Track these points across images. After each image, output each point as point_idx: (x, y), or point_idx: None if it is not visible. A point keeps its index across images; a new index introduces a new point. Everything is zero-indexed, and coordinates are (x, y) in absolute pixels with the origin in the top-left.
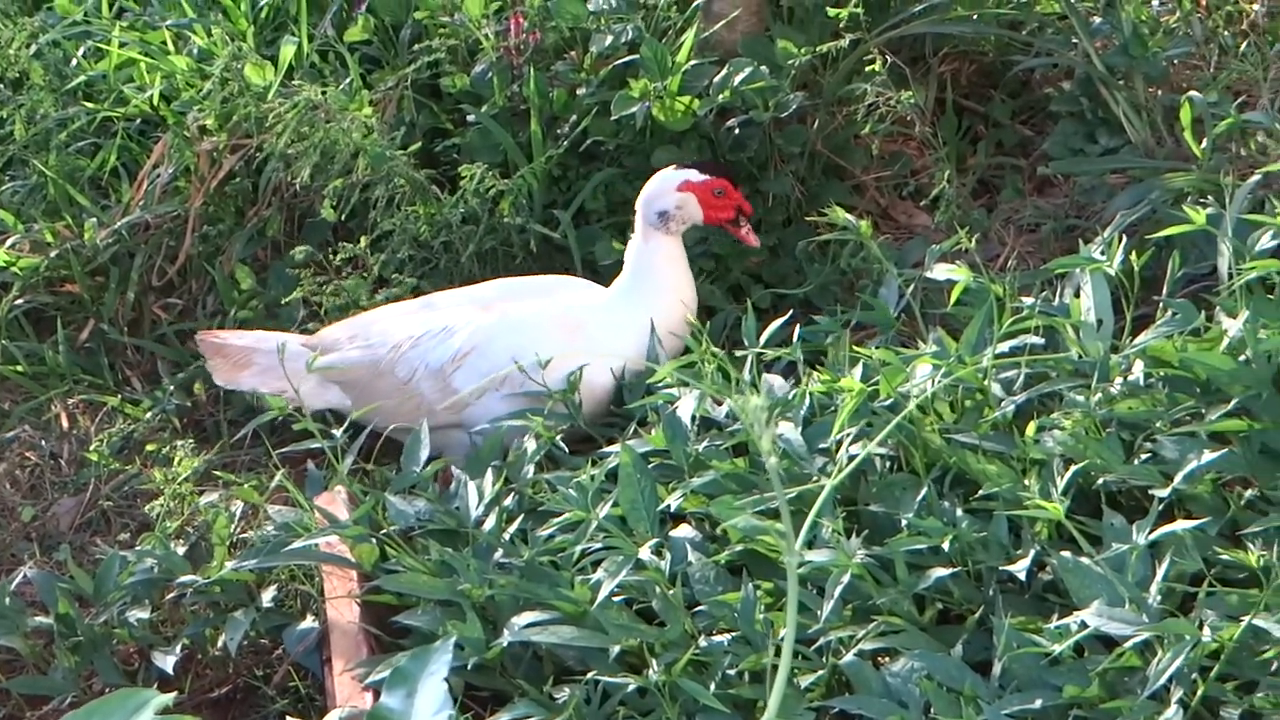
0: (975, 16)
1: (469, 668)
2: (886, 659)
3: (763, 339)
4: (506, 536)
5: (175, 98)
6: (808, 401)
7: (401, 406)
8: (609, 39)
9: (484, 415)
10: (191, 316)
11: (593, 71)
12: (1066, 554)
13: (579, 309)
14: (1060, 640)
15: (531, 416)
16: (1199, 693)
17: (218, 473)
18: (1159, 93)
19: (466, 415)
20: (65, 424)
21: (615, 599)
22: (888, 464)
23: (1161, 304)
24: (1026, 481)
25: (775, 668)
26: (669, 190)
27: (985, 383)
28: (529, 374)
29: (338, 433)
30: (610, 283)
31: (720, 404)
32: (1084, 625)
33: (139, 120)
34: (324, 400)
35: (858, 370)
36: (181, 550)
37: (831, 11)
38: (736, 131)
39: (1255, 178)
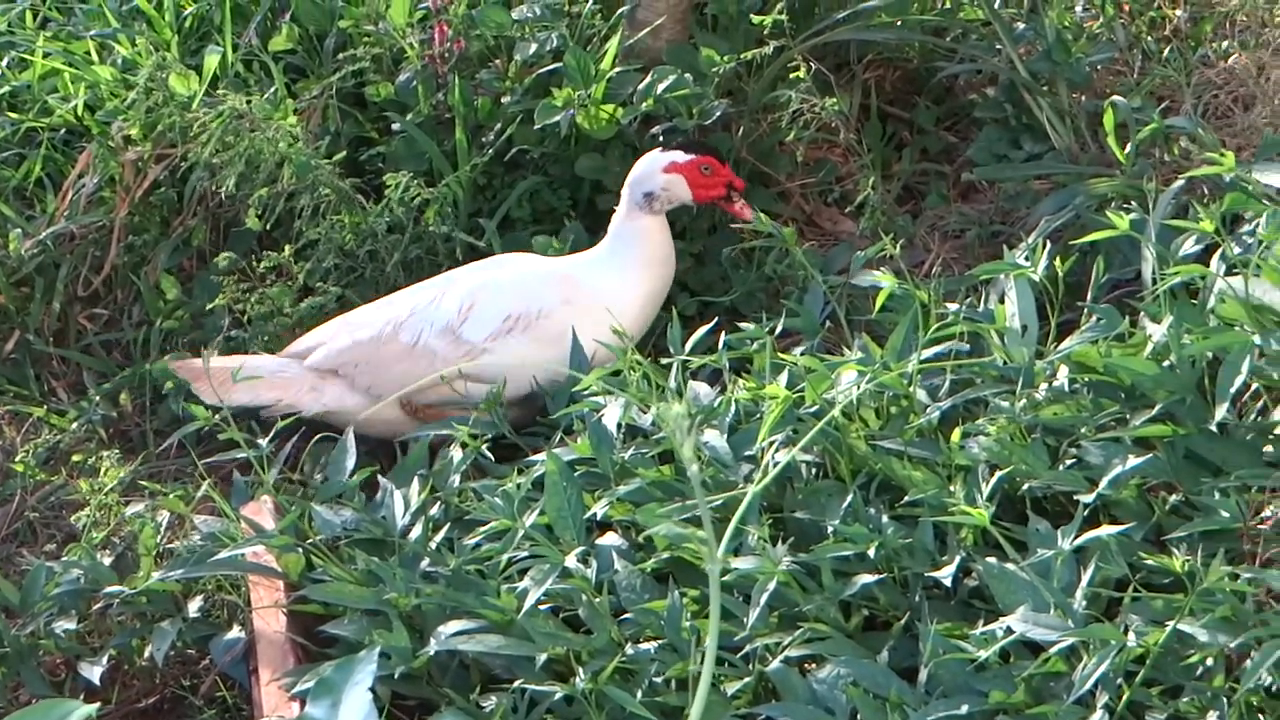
0: (899, 23)
1: (396, 677)
2: (813, 666)
3: (688, 346)
4: (433, 545)
5: (100, 108)
6: (733, 409)
7: (412, 370)
8: (533, 47)
9: (502, 360)
10: (117, 326)
11: (517, 80)
12: (992, 560)
13: (576, 265)
14: (986, 646)
15: (454, 424)
16: (1124, 698)
17: (144, 483)
18: (1083, 98)
19: (485, 364)
20: None
21: (542, 607)
22: (813, 471)
23: (1086, 309)
24: (952, 488)
25: (700, 675)
26: (655, 172)
27: (910, 389)
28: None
29: (263, 442)
30: None
31: (646, 411)
32: (1009, 631)
33: (63, 130)
34: (321, 402)
35: (783, 377)
36: (108, 561)
37: (755, 19)
38: (661, 139)
39: (1178, 183)
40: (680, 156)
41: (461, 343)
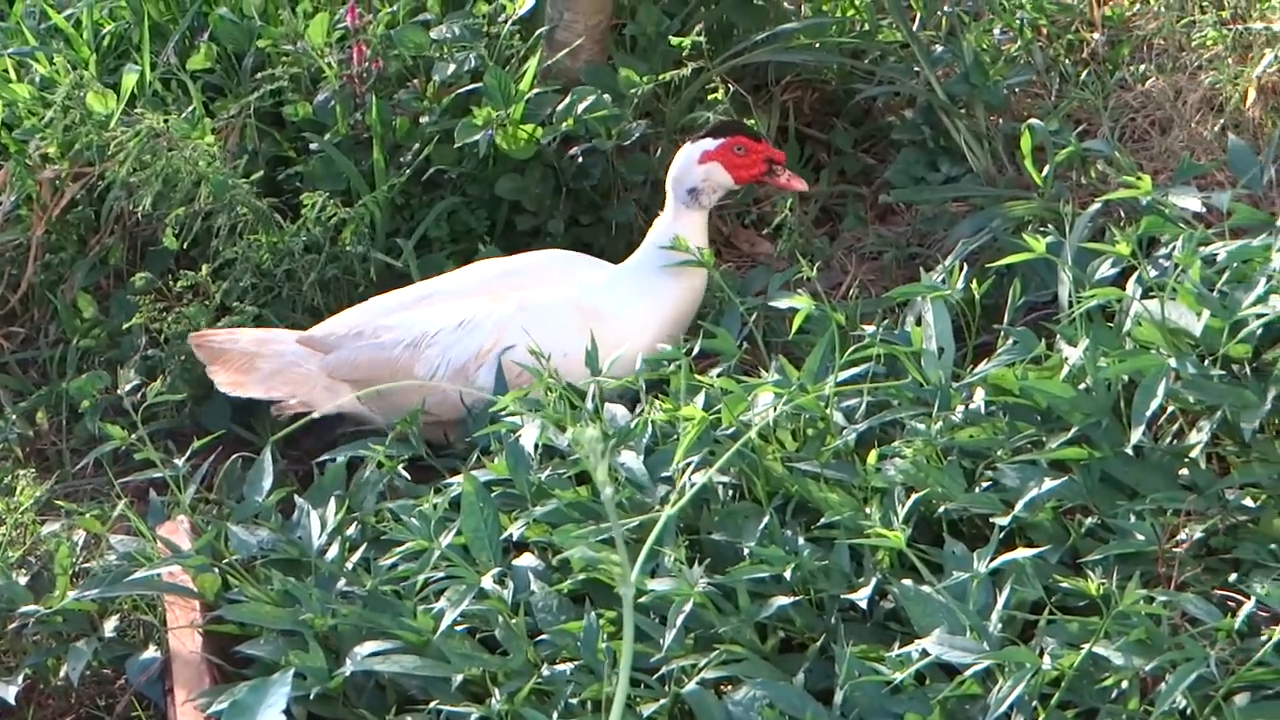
0: (818, 45)
1: (311, 697)
2: (729, 687)
3: (605, 367)
4: (349, 566)
5: (17, 126)
6: (649, 430)
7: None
8: (452, 67)
9: None
10: (33, 345)
11: (436, 100)
12: (908, 582)
13: (597, 293)
14: (901, 668)
15: (371, 445)
16: None
17: (60, 502)
18: (1000, 121)
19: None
20: None
21: (458, 628)
22: (730, 492)
23: (1002, 332)
24: (868, 510)
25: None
26: (692, 165)
27: (827, 411)
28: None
29: (180, 462)
30: None
31: (563, 432)
32: (925, 653)
33: None
34: (335, 404)
35: (700, 399)
36: (23, 580)
37: (674, 40)
38: (580, 160)
39: (1095, 206)
40: (710, 143)
41: (473, 387)
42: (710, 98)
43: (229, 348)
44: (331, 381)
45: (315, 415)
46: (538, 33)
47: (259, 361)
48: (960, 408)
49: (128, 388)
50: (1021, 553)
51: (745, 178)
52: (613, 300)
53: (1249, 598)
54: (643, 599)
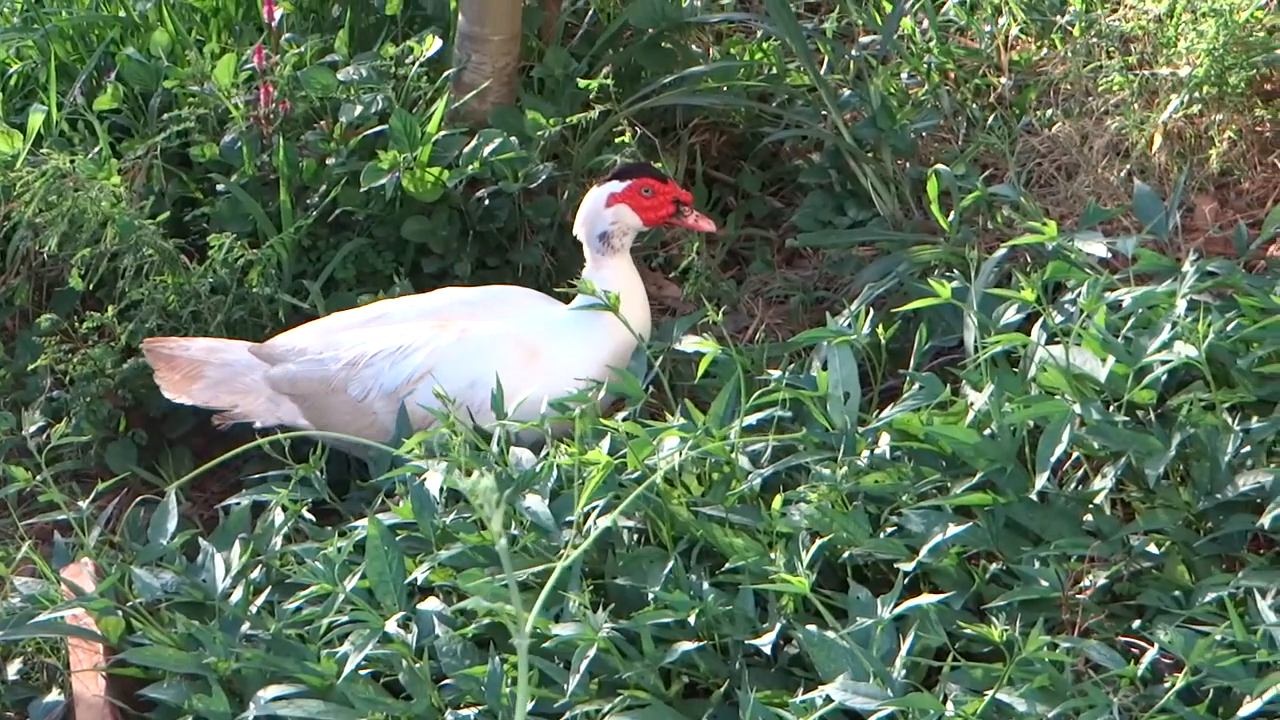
0: (725, 89)
1: None
2: None
3: (511, 410)
4: (254, 609)
5: None
6: (555, 474)
7: (355, 423)
8: (359, 109)
9: None
10: None
11: (342, 141)
12: (812, 628)
13: (537, 330)
14: (805, 715)
15: (275, 488)
16: None
17: None
18: (907, 165)
19: None
20: None
21: (362, 672)
22: (635, 537)
23: (908, 377)
24: (773, 555)
25: None
26: (600, 209)
27: (733, 455)
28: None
29: (84, 504)
30: None
31: (468, 476)
32: (829, 699)
33: None
34: (276, 416)
35: (605, 443)
36: None
37: (582, 83)
38: (486, 202)
39: (1001, 251)
40: (617, 185)
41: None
42: (618, 140)
43: (179, 354)
44: (274, 394)
45: (257, 426)
46: (445, 74)
47: (206, 370)
48: (865, 453)
49: (32, 429)
50: (926, 599)
51: (654, 219)
52: (552, 339)
53: (1152, 644)
54: (546, 644)
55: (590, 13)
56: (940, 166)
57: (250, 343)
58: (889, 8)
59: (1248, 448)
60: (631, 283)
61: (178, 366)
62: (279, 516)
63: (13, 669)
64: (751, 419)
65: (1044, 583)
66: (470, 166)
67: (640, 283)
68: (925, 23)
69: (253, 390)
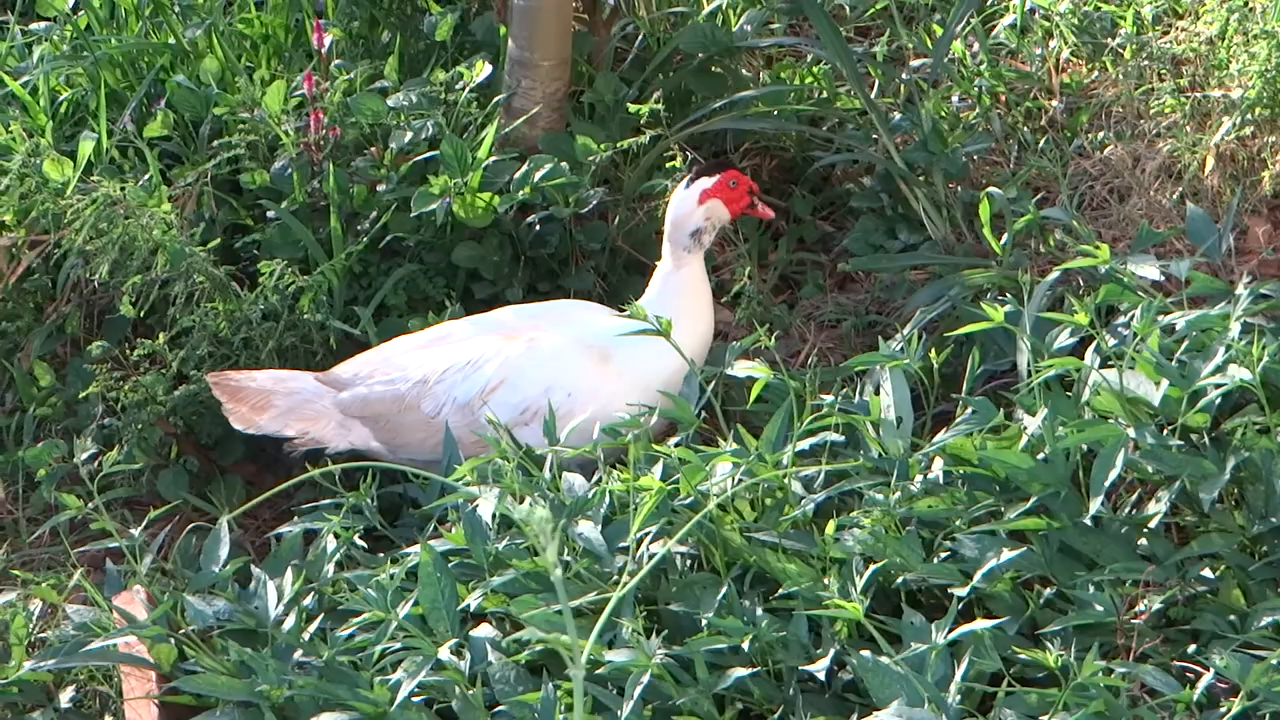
0: (776, 113)
1: None
2: None
3: (563, 435)
4: (306, 636)
5: None
6: (607, 500)
7: (429, 440)
8: (409, 135)
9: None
10: None
11: (393, 167)
12: (866, 653)
13: (606, 337)
14: None
15: (327, 516)
16: None
17: (16, 571)
18: (959, 189)
19: None
20: None
21: (415, 699)
22: (688, 562)
23: (961, 401)
24: (826, 580)
25: None
26: (693, 207)
27: (785, 481)
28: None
29: (136, 531)
30: None
31: (520, 502)
32: None
33: None
34: (347, 440)
35: (658, 468)
36: None
37: (632, 108)
38: (537, 228)
39: (1054, 274)
40: (707, 182)
41: (478, 425)
42: (668, 165)
43: (246, 385)
44: (344, 418)
45: (329, 451)
46: (495, 100)
47: (274, 399)
48: (919, 477)
49: (84, 456)
50: (980, 624)
51: (737, 211)
52: (621, 345)
53: (1208, 669)
54: (600, 670)
55: (640, 38)
56: (992, 189)
57: (312, 372)
58: (939, 31)
59: None
60: (706, 284)
61: (245, 398)
62: (331, 543)
63: (65, 696)
64: (804, 444)
65: (1099, 607)
66: (521, 192)
67: (709, 289)
68: (976, 46)
69: (322, 416)
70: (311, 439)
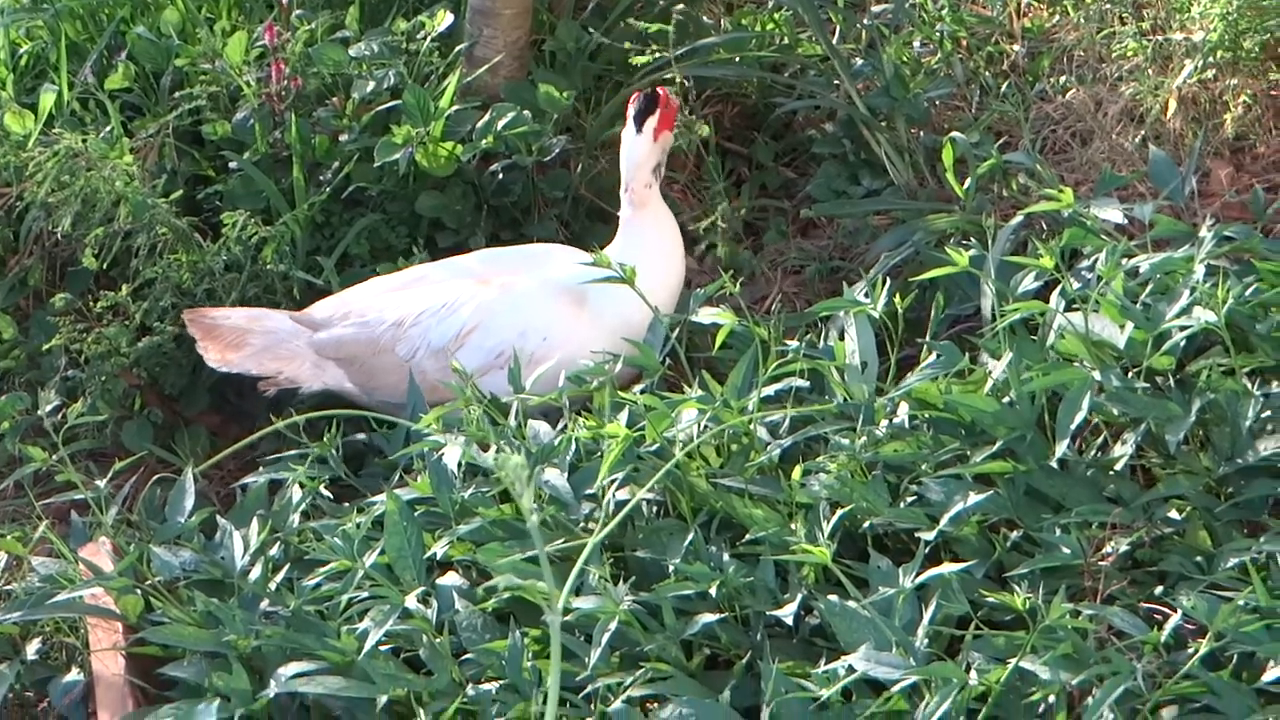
0: (738, 59)
1: (235, 719)
2: (655, 705)
3: (528, 383)
4: (272, 586)
5: None
6: (573, 447)
7: (403, 383)
8: (371, 85)
9: (485, 390)
10: None
11: (355, 118)
12: (834, 598)
13: (580, 281)
14: (828, 685)
15: (292, 465)
16: None
17: None
18: (921, 134)
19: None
20: None
21: (382, 648)
22: (654, 509)
23: (926, 346)
24: (793, 525)
25: (543, 716)
26: (650, 147)
27: (751, 427)
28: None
29: (101, 483)
30: None
31: (486, 450)
32: (851, 669)
33: None
34: (321, 381)
35: (624, 415)
36: None
37: (637, 24)
38: (500, 176)
39: (1017, 219)
40: (653, 121)
41: (451, 370)
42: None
43: (221, 323)
44: (319, 359)
45: (303, 391)
46: (457, 49)
47: (250, 338)
48: (884, 422)
49: (48, 409)
50: (947, 567)
51: (673, 124)
52: (596, 288)
53: (1175, 611)
54: (567, 617)
55: None
56: (955, 134)
57: (287, 311)
58: None
59: (1268, 412)
60: (671, 218)
61: (220, 335)
62: (296, 493)
63: (32, 649)
64: (769, 390)
65: (1065, 550)
66: (484, 141)
67: (677, 229)
68: None
69: (297, 356)
70: (286, 379)
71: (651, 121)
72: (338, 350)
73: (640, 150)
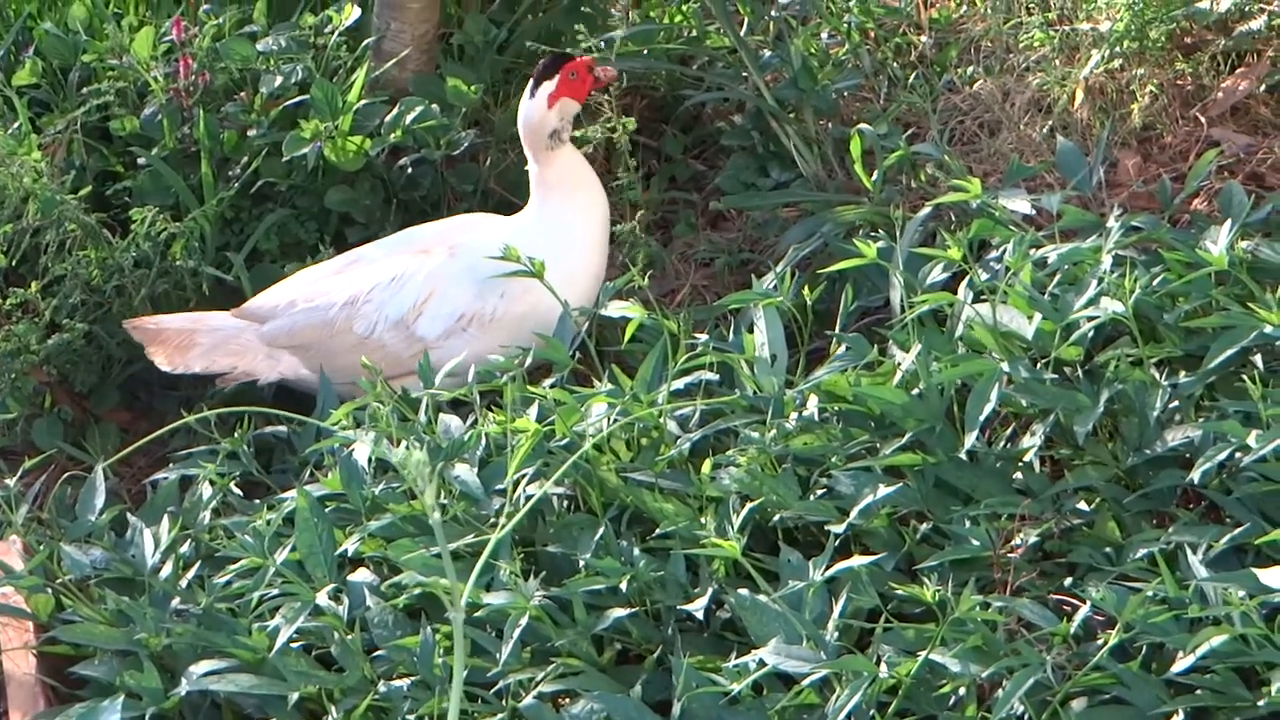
0: (646, 52)
1: (147, 718)
2: (566, 701)
3: (438, 379)
4: (183, 584)
5: None
6: (483, 442)
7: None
8: (279, 79)
9: (454, 354)
10: None
11: (263, 112)
12: (744, 591)
13: (522, 234)
14: (739, 679)
15: (203, 462)
16: None
17: None
18: (829, 125)
19: (437, 359)
20: None
21: (294, 645)
22: (564, 504)
23: (835, 338)
24: (703, 519)
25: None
26: (544, 112)
27: (660, 420)
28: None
29: (11, 482)
30: None
31: (396, 446)
32: (762, 663)
33: None
34: (277, 371)
35: (533, 410)
36: None
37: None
38: (409, 170)
39: (925, 210)
40: (550, 85)
41: (415, 339)
42: None
43: (166, 326)
44: (271, 350)
45: (261, 383)
46: (365, 43)
47: (198, 337)
48: (794, 415)
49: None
50: (857, 560)
51: (584, 94)
52: (540, 238)
53: (1084, 602)
54: (478, 613)
55: None
56: (863, 126)
57: (222, 312)
58: None
59: (1176, 403)
60: (585, 166)
61: (168, 339)
62: (207, 490)
63: None
64: (679, 383)
65: (975, 542)
66: (392, 135)
67: (589, 165)
68: None
69: (248, 349)
70: (242, 372)
71: (548, 86)
72: (291, 338)
73: (532, 115)
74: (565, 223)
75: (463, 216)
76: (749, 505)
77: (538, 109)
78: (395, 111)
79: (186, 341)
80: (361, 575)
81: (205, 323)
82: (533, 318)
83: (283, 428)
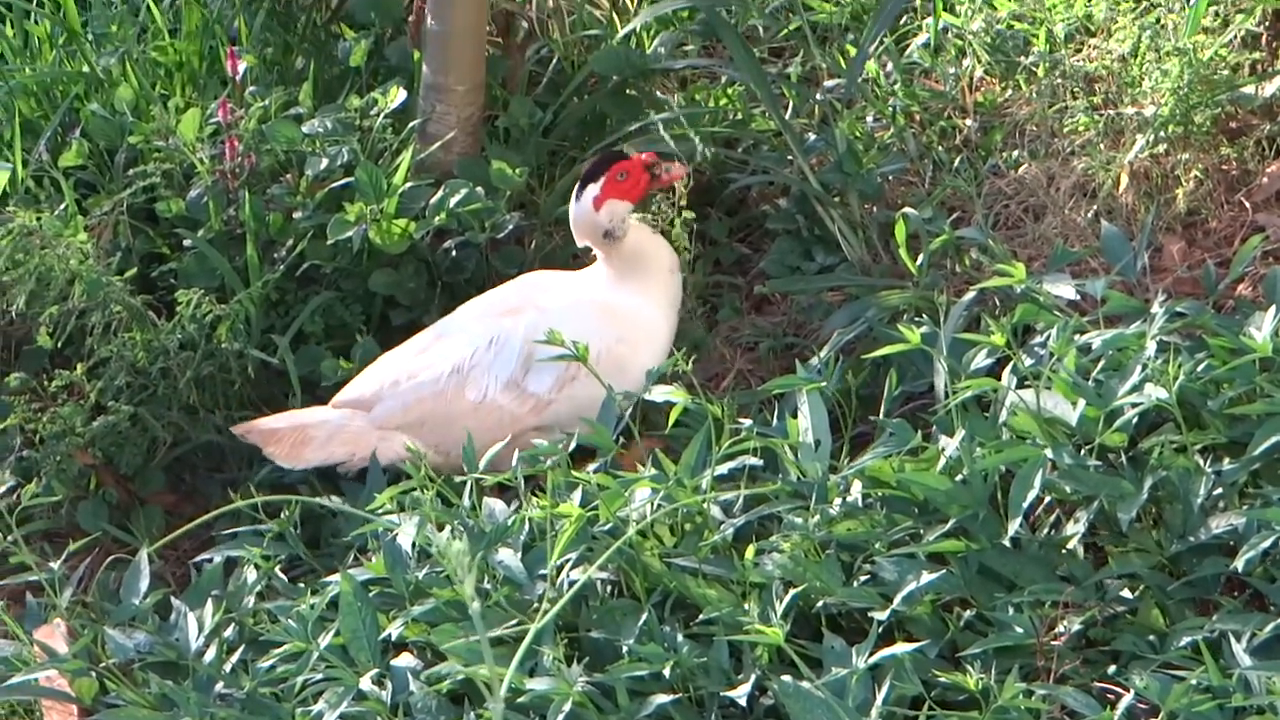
0: (692, 134)
1: None
2: None
3: (482, 463)
4: (227, 668)
5: None
6: (527, 527)
7: (481, 424)
8: (324, 162)
9: (569, 409)
10: None
11: (309, 195)
12: (787, 678)
13: (596, 291)
14: None
15: (248, 545)
16: None
17: None
18: (874, 209)
19: (552, 414)
20: None
21: None
22: (608, 589)
23: (879, 424)
24: (746, 605)
25: None
26: (591, 215)
27: (704, 506)
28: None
29: (56, 565)
30: None
31: (441, 529)
32: None
33: None
34: (395, 452)
35: (577, 494)
36: None
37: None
38: (453, 253)
39: (970, 295)
40: (595, 188)
41: (527, 396)
42: None
43: (277, 426)
44: (383, 433)
45: (383, 465)
46: (410, 126)
47: (311, 431)
48: (837, 500)
49: (2, 489)
50: (900, 647)
51: (639, 196)
52: (612, 293)
53: (1128, 690)
54: (521, 699)
55: (554, 61)
56: (908, 210)
57: (322, 406)
58: (853, 51)
59: (1219, 490)
60: (652, 236)
61: (283, 438)
62: (251, 574)
63: None
64: (723, 468)
65: (1018, 629)
66: (437, 218)
67: (664, 240)
68: (889, 65)
69: (362, 435)
70: (360, 459)
71: (593, 189)
72: (404, 417)
73: (580, 220)
74: (645, 279)
75: (529, 276)
76: (792, 591)
77: (583, 213)
78: (440, 194)
79: (301, 438)
80: (405, 660)
81: (314, 416)
82: (632, 359)
83: (335, 499)
